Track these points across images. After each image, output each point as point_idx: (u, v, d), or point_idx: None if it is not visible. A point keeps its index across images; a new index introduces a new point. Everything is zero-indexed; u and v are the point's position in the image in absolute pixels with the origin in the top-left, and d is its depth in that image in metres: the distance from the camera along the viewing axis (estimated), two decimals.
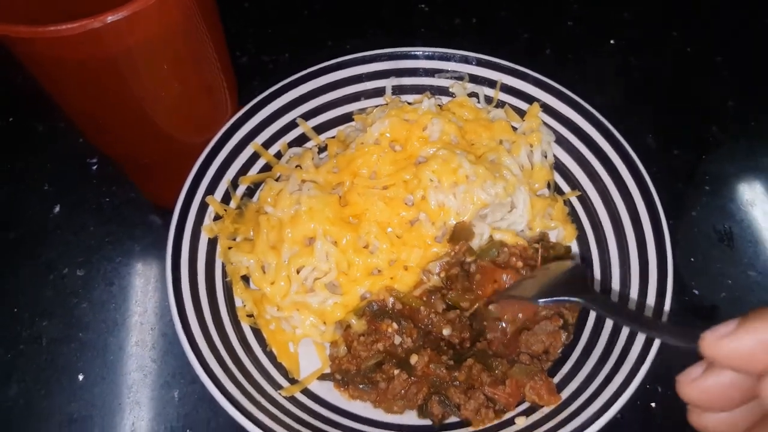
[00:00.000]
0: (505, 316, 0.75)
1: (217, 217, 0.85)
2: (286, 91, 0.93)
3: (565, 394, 0.71)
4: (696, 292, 0.89)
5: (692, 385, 0.42)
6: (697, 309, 0.88)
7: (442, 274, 0.80)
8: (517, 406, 0.72)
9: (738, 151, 1.06)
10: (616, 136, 0.85)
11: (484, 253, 0.80)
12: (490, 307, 0.76)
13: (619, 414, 0.65)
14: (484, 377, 0.70)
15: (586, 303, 0.66)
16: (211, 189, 0.85)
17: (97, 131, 0.84)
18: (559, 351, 0.76)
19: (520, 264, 0.79)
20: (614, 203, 0.84)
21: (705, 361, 0.43)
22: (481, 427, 0.70)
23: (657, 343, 0.68)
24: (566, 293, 0.68)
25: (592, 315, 0.78)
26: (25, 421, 0.81)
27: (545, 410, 0.70)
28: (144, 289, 0.92)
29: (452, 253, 0.80)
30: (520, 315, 0.74)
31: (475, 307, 0.77)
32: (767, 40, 1.22)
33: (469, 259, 0.80)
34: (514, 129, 0.93)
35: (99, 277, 0.93)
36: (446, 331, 0.76)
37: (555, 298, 0.68)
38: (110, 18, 0.57)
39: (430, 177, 0.82)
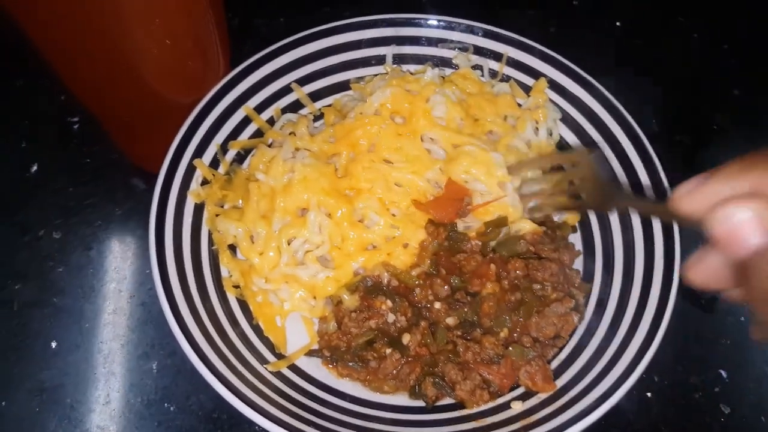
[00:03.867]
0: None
1: (204, 182, 0.80)
2: (281, 54, 0.88)
3: (564, 380, 0.68)
4: None
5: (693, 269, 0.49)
6: (698, 298, 0.86)
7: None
8: (512, 390, 0.70)
9: (741, 139, 1.04)
10: (625, 116, 0.82)
11: (502, 246, 0.77)
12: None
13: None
14: (486, 343, 0.68)
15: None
16: (199, 152, 0.80)
17: (83, 85, 0.79)
18: (570, 335, 0.73)
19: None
20: None
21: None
22: (475, 409, 0.67)
23: (660, 333, 0.66)
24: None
25: (593, 300, 0.76)
26: None
27: (542, 396, 0.67)
28: (124, 255, 0.88)
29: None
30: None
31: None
32: None
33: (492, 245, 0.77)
34: (519, 105, 0.89)
35: (77, 241, 0.88)
36: (450, 320, 0.73)
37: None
38: None
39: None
